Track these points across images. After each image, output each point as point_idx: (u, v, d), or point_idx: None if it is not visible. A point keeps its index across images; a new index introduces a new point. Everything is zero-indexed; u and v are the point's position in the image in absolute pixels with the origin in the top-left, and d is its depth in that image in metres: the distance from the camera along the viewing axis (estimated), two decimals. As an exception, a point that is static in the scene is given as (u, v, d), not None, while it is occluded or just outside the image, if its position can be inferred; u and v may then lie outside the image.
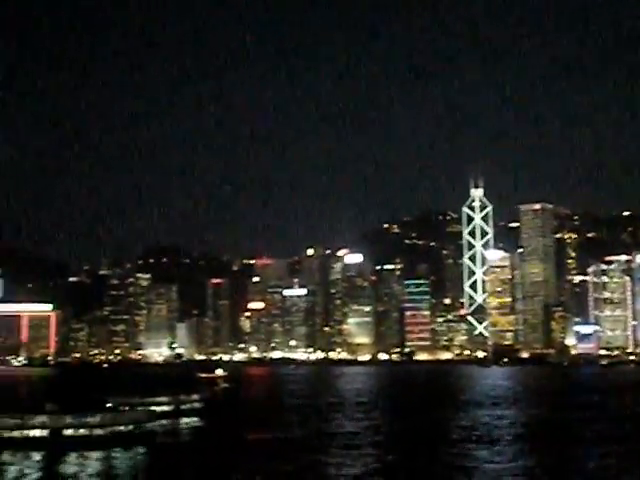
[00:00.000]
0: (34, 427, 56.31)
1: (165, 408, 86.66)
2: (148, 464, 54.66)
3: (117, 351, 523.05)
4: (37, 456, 54.01)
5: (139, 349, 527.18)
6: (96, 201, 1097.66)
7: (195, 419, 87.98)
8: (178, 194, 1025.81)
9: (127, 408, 64.59)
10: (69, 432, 57.25)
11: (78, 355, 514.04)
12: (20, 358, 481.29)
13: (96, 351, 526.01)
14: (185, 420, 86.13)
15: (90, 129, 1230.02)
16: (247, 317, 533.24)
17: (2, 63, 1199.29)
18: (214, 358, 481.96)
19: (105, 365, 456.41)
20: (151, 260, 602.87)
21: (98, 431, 58.75)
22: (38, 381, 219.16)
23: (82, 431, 57.90)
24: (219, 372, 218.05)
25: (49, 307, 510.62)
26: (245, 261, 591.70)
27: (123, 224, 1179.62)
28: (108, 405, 69.56)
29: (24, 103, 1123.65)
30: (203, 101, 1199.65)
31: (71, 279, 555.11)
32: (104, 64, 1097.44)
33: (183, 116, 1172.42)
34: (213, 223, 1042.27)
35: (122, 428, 59.15)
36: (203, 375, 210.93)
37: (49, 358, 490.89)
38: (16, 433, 55.76)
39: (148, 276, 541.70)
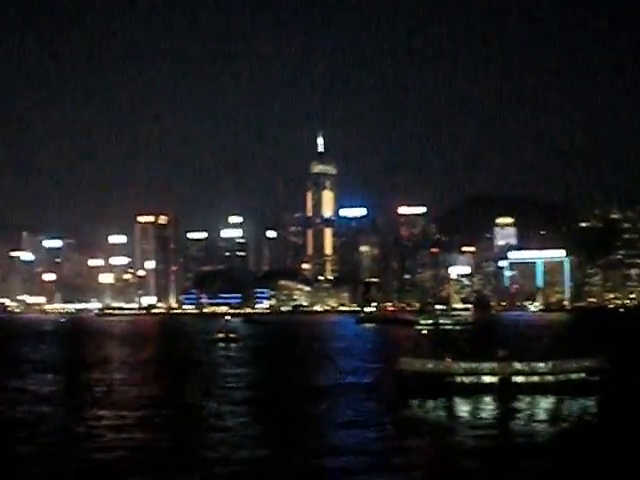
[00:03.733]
0: (484, 373, 56.45)
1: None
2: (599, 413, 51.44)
3: (632, 295, 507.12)
4: (487, 400, 54.21)
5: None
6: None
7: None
8: None
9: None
10: (519, 379, 56.20)
11: (593, 300, 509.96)
12: (536, 303, 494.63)
13: (611, 295, 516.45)
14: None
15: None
16: None
17: None
18: None
19: (621, 310, 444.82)
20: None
21: (548, 378, 56.48)
22: (557, 326, 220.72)
23: (533, 378, 56.26)
24: None
25: (562, 253, 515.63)
26: None
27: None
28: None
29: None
30: None
31: (582, 224, 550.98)
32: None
33: None
34: None
35: (573, 376, 56.06)
36: None
37: (565, 303, 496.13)
38: (468, 379, 56.40)
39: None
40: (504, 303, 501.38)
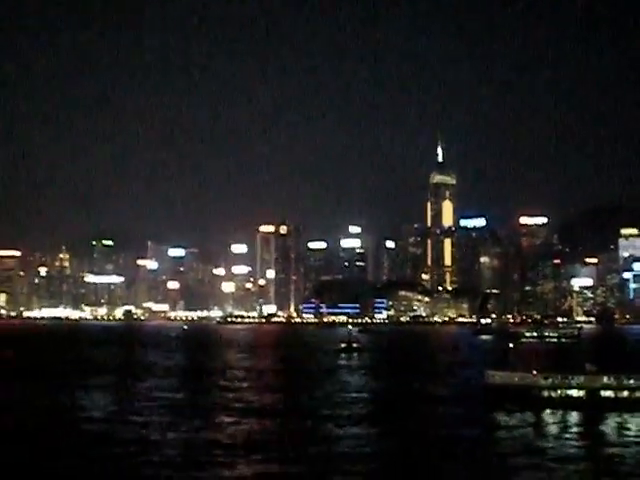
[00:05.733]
0: (572, 387, 57.43)
1: None
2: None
3: None
4: (574, 415, 55.46)
5: None
6: None
7: None
8: None
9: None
10: (607, 393, 57.06)
11: None
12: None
13: None
14: None
15: None
16: None
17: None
18: None
19: None
20: None
21: (638, 394, 57.10)
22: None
23: (622, 393, 56.97)
24: None
25: None
26: None
27: None
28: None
29: None
30: None
31: None
32: None
33: None
34: None
35: None
36: None
37: None
38: (555, 392, 57.59)
39: None
40: (628, 316, 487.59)
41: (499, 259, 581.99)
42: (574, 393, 58.89)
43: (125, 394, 70.96)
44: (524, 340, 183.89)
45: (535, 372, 60.92)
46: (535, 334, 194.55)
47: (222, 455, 41.70)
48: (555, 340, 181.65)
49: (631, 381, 58.36)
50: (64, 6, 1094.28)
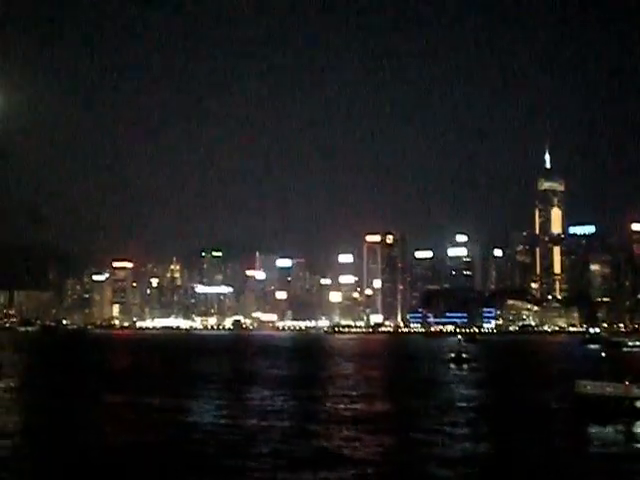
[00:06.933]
0: None
1: None
2: None
3: None
4: None
5: None
6: None
7: None
8: None
9: None
10: None
11: None
12: None
13: None
14: None
15: None
16: None
17: None
18: None
19: None
20: None
21: None
22: None
23: None
24: None
25: None
26: None
27: None
28: None
29: None
30: None
31: None
32: None
33: None
34: None
35: None
36: None
37: None
38: None
39: None
40: None
41: (610, 267, 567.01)
42: None
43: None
44: (626, 349, 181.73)
45: (628, 382, 60.50)
46: (638, 343, 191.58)
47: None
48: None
49: None
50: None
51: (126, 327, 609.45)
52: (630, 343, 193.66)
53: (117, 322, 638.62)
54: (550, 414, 64.23)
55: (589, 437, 53.85)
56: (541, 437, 52.87)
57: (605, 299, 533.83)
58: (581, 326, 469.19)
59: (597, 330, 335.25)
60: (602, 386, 61.64)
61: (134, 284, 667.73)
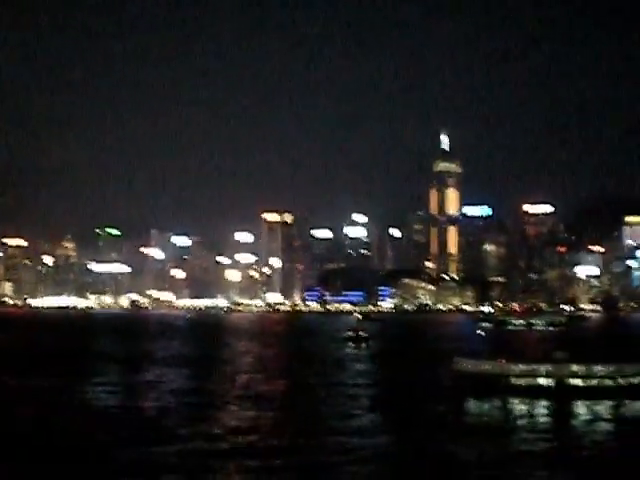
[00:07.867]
0: (540, 375, 59.30)
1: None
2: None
3: None
4: (542, 403, 57.18)
5: None
6: None
7: None
8: None
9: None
10: (575, 381, 59.96)
11: None
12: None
13: None
14: None
15: None
16: None
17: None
18: None
19: None
20: None
21: (607, 382, 57.29)
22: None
23: (591, 382, 58.53)
24: None
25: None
26: None
27: None
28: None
29: None
30: None
31: None
32: None
33: None
34: None
35: (636, 380, 58.01)
36: None
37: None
38: (524, 380, 59.78)
39: None
40: (633, 304, 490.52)
41: (504, 247, 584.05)
42: (543, 381, 59.64)
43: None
44: (511, 328, 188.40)
45: (504, 360, 62.09)
46: (522, 322, 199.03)
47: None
48: (542, 328, 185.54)
49: (599, 369, 60.07)
50: None
51: (19, 306, 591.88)
52: (514, 321, 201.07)
53: (9, 300, 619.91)
54: (436, 390, 65.66)
55: (466, 410, 55.66)
56: (424, 408, 55.51)
57: (499, 279, 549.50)
58: (476, 305, 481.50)
59: (490, 309, 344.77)
60: (479, 364, 63.03)
61: (27, 262, 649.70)
